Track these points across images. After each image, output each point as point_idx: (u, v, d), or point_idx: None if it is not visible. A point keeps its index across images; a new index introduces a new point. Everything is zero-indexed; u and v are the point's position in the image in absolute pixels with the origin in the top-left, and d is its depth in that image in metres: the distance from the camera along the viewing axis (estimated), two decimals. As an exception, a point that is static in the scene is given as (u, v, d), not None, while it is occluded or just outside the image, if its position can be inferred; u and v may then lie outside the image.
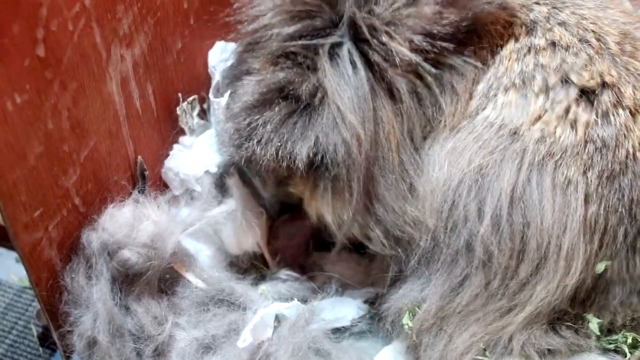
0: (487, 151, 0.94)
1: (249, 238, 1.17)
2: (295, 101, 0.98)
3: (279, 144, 0.99)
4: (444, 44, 0.93)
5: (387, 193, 0.99)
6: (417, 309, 1.01)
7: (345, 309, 1.12)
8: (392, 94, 0.96)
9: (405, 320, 1.02)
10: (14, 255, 1.45)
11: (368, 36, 0.94)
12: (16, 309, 1.41)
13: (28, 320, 1.39)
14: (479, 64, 0.96)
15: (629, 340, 0.99)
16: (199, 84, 1.23)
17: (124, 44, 0.99)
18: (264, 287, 1.14)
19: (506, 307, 0.96)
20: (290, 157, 0.99)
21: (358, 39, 0.95)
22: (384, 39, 0.93)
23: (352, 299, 1.13)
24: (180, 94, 1.17)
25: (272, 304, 1.07)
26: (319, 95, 0.97)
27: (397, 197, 0.99)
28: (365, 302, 1.13)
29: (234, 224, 1.16)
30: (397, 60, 0.93)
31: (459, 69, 0.96)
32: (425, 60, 0.94)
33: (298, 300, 1.10)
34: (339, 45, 0.96)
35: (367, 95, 0.94)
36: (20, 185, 0.84)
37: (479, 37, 0.97)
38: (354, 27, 0.95)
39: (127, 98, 1.03)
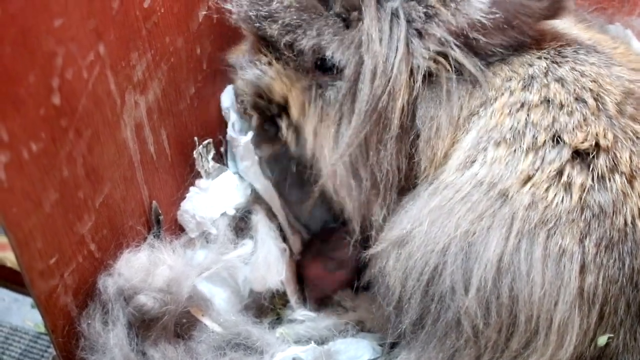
0: (476, 215, 0.91)
1: (273, 275, 1.17)
2: (330, 8, 0.98)
3: (295, 18, 0.98)
4: (476, 41, 0.94)
5: (376, 156, 0.98)
6: None
7: (361, 350, 1.11)
8: (411, 69, 0.96)
9: None
10: (29, 301, 1.45)
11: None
12: (32, 355, 1.40)
13: (44, 367, 1.39)
14: (490, 80, 0.96)
15: None
16: (213, 128, 1.24)
17: (138, 90, 1.00)
18: (281, 330, 1.14)
19: None
20: (296, 37, 0.98)
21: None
22: (434, 1, 0.94)
23: (368, 341, 1.13)
24: (196, 138, 1.18)
25: (289, 347, 1.06)
26: (356, 14, 0.97)
27: (384, 171, 0.99)
28: (380, 345, 1.12)
29: (258, 261, 1.16)
30: (434, 30, 0.94)
31: (474, 75, 0.96)
32: (455, 42, 0.94)
33: (315, 342, 1.10)
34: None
35: (401, 44, 0.94)
36: (36, 233, 0.84)
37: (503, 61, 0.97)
38: None
39: (141, 144, 1.03)
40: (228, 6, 1.06)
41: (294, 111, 1.07)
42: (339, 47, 0.97)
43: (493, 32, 0.94)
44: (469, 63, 0.95)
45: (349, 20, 0.97)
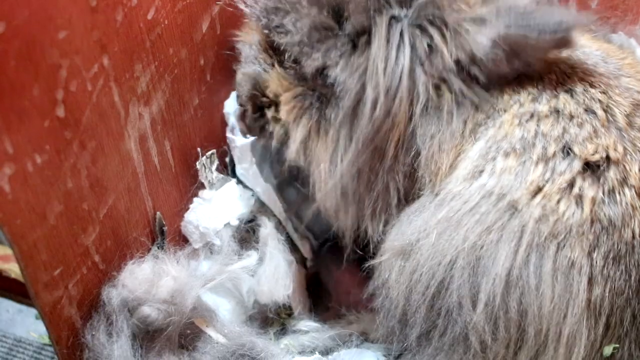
0: (484, 228, 0.90)
1: (280, 290, 1.17)
2: (341, 26, 0.97)
3: (306, 37, 0.98)
4: (478, 74, 0.93)
5: (364, 183, 0.98)
6: None
7: (365, 360, 1.11)
8: (412, 96, 0.96)
9: None
10: (33, 312, 1.45)
11: (427, 25, 0.94)
12: (37, 367, 1.40)
13: (49, 378, 1.39)
14: (495, 102, 0.95)
15: None
16: (217, 139, 1.24)
17: (142, 102, 1.01)
18: (286, 341, 1.14)
19: None
20: (301, 56, 0.99)
21: (416, 25, 0.95)
22: (436, 36, 0.93)
23: (372, 351, 1.12)
24: (199, 149, 1.18)
25: (294, 358, 1.06)
26: (364, 39, 0.96)
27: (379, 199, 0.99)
28: (385, 355, 1.12)
29: (266, 275, 1.16)
30: (436, 61, 0.93)
31: (476, 103, 0.95)
32: (456, 74, 0.93)
33: (320, 352, 1.10)
34: (397, 19, 0.96)
35: (404, 73, 0.94)
36: (41, 245, 0.84)
37: (506, 89, 0.96)
38: (423, 9, 0.95)
39: (145, 155, 1.04)
40: (241, 5, 1.07)
41: (283, 110, 1.07)
42: (343, 72, 0.97)
43: (496, 66, 0.93)
44: (471, 93, 0.95)
45: (357, 45, 0.97)
